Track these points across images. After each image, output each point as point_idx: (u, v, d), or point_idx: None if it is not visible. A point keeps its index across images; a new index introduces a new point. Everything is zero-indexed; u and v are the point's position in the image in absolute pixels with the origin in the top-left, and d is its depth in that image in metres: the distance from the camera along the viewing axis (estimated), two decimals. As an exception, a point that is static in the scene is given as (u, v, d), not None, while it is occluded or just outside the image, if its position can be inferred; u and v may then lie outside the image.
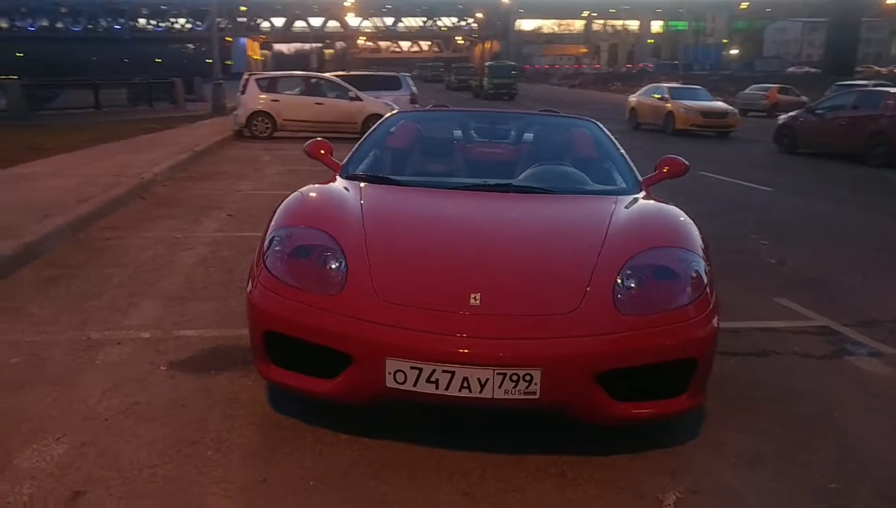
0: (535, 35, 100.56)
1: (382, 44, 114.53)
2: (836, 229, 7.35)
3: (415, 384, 2.35)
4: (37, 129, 15.15)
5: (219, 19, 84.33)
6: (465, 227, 3.04)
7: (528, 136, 4.25)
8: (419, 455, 2.56)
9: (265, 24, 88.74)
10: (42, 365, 3.22)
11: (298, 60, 79.47)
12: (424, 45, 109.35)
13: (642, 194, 3.56)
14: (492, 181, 3.48)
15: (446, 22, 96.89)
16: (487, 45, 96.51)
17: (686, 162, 3.94)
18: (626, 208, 3.19)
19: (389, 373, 2.36)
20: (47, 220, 5.50)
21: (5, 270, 4.44)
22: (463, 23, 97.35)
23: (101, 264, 4.90)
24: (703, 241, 2.98)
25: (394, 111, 4.98)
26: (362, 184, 3.43)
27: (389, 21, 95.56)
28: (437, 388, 2.34)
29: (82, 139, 12.23)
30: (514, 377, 2.31)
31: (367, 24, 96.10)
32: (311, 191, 3.30)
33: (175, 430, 2.67)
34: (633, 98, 21.68)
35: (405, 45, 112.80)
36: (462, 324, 2.40)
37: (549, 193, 3.42)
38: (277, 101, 15.13)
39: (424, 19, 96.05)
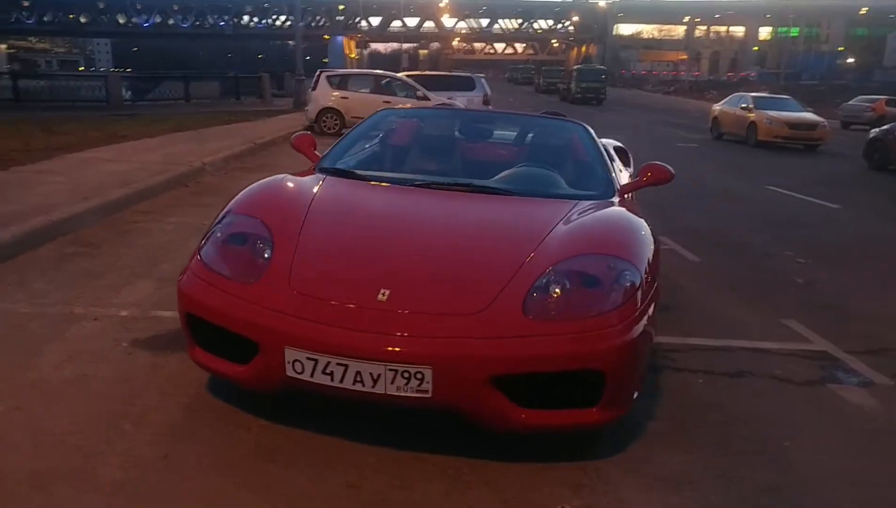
0: (634, 40, 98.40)
1: (477, 45, 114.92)
2: (888, 254, 6.87)
3: (311, 375, 2.38)
4: (127, 118, 16.09)
5: (318, 17, 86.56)
6: (400, 224, 3.03)
7: (513, 137, 4.20)
8: (325, 445, 2.58)
9: (363, 24, 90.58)
10: (17, 334, 3.43)
11: (391, 60, 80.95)
12: (519, 47, 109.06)
13: (615, 200, 3.46)
14: (454, 180, 3.46)
15: (542, 24, 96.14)
16: (584, 48, 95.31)
17: (671, 170, 3.80)
18: (581, 213, 3.10)
19: (289, 362, 2.39)
20: (84, 201, 5.84)
21: (27, 245, 4.75)
22: (559, 26, 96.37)
23: (118, 244, 5.16)
24: (654, 254, 2.87)
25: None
26: (327, 177, 3.48)
27: (485, 22, 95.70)
28: (332, 380, 2.36)
29: (160, 128, 12.90)
30: (406, 374, 2.30)
31: (463, 26, 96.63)
32: (272, 181, 3.38)
33: (107, 403, 2.79)
34: (716, 107, 20.92)
35: (500, 47, 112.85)
36: (361, 318, 2.40)
37: (509, 194, 3.38)
38: (346, 98, 15.47)
39: (520, 21, 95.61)
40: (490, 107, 19.94)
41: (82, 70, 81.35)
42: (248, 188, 3.25)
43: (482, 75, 20.91)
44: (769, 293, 5.07)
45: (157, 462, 2.43)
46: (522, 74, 71.68)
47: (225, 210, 3.03)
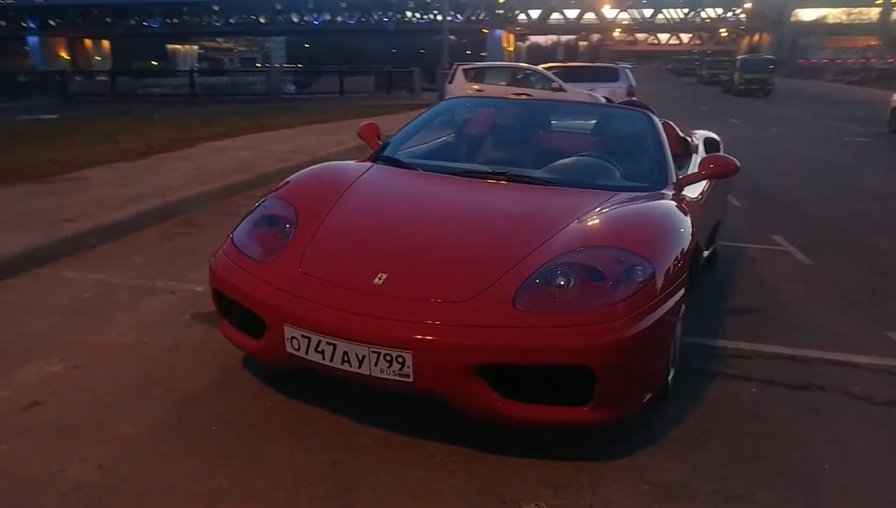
0: (817, 25, 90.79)
1: (639, 36, 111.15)
2: None
3: (306, 353, 2.47)
4: (280, 110, 17.22)
5: (478, 11, 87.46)
6: (418, 212, 3.05)
7: (572, 127, 4.06)
8: (328, 423, 2.67)
9: (522, 17, 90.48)
10: (101, 302, 3.82)
11: (549, 52, 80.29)
12: (685, 37, 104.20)
13: (666, 192, 3.28)
14: (495, 169, 3.42)
15: (710, 13, 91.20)
16: (756, 37, 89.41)
17: (735, 163, 3.52)
18: (615, 205, 2.97)
19: (287, 339, 2.50)
20: (201, 185, 6.35)
21: (139, 224, 5.25)
22: (729, 14, 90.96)
23: (220, 226, 5.54)
24: (686, 251, 2.70)
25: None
26: (375, 165, 3.57)
27: (648, 13, 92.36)
28: (323, 358, 2.43)
29: (303, 120, 13.68)
30: (388, 357, 2.33)
31: (625, 16, 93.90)
32: (318, 168, 3.52)
33: (150, 368, 3.05)
34: (896, 97, 18.88)
35: (664, 37, 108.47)
36: (353, 300, 2.46)
37: (548, 184, 3.29)
38: (482, 90, 15.53)
39: (686, 10, 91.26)
40: (634, 98, 19.31)
41: (259, 66, 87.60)
42: (295, 174, 3.41)
43: (627, 66, 20.24)
44: (887, 301, 4.56)
45: (169, 424, 2.63)
46: (685, 65, 68.43)
47: (269, 193, 3.20)
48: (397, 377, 2.34)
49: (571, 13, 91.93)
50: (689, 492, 2.36)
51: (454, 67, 16.33)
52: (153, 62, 78.45)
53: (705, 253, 4.38)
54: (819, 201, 8.07)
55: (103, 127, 12.25)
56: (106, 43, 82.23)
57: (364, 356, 2.36)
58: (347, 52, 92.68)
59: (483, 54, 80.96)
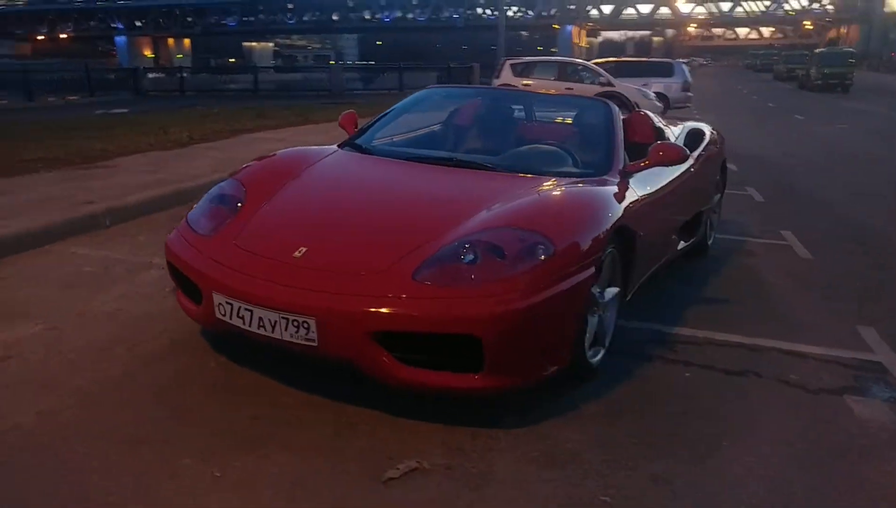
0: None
1: (716, 31, 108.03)
2: None
3: (231, 318, 2.70)
4: (336, 105, 17.68)
5: (550, 7, 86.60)
6: (354, 192, 3.25)
7: (536, 115, 4.17)
8: (262, 384, 2.89)
9: (594, 12, 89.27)
10: (99, 275, 4.17)
11: (618, 48, 78.98)
12: (766, 31, 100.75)
13: (609, 178, 3.38)
14: (447, 155, 3.59)
15: (794, 4, 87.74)
16: (843, 30, 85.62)
17: (684, 151, 3.58)
18: (544, 189, 3.09)
19: (216, 305, 2.74)
20: (220, 173, 6.70)
21: (154, 207, 5.63)
22: (814, 5, 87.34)
23: (232, 211, 5.90)
24: (594, 235, 2.81)
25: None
26: (339, 150, 3.78)
27: (726, 6, 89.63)
28: (244, 323, 2.66)
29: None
30: (295, 323, 2.54)
31: (701, 11, 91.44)
32: (284, 152, 3.76)
33: (120, 333, 3.36)
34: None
35: (742, 31, 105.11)
36: (271, 270, 2.68)
37: (493, 170, 3.43)
38: (528, 85, 15.60)
39: (767, 3, 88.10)
40: (690, 94, 18.96)
41: (332, 63, 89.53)
42: (260, 158, 3.66)
43: (683, 61, 19.95)
44: (870, 295, 4.49)
45: (119, 380, 2.91)
46: (762, 61, 66.07)
47: (230, 174, 3.47)
48: (304, 342, 2.55)
49: (645, 8, 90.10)
50: (577, 461, 2.48)
51: (502, 61, 16.42)
52: (230, 59, 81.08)
53: (681, 243, 4.42)
54: (848, 198, 7.85)
55: (161, 120, 12.94)
56: (187, 41, 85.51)
57: (276, 322, 2.57)
58: (418, 49, 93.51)
59: (553, 50, 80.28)
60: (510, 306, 2.46)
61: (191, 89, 24.87)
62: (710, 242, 5.25)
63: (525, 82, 15.61)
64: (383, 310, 2.47)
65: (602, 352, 3.17)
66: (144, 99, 22.38)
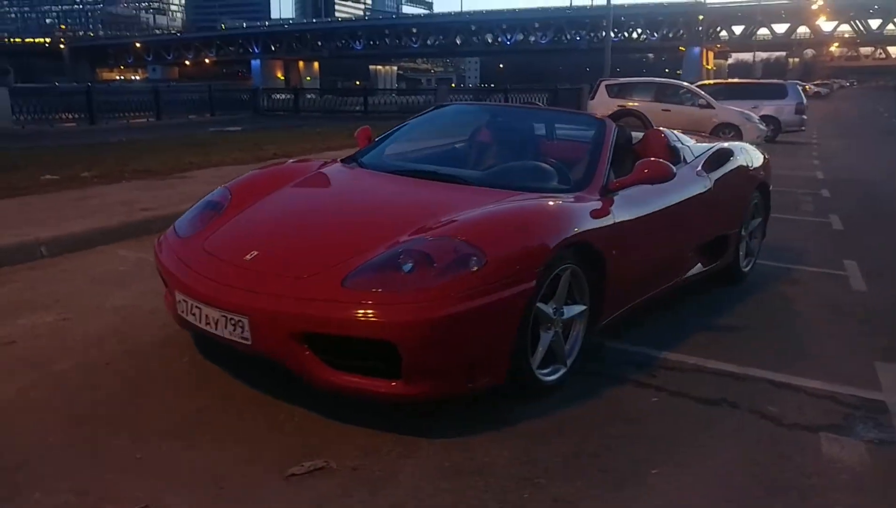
0: None
1: (864, 50, 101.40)
2: None
3: (187, 314, 2.89)
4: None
5: (677, 28, 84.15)
6: (320, 201, 3.39)
7: (532, 132, 4.15)
8: (218, 377, 3.06)
9: (724, 33, 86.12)
10: (129, 274, 4.53)
11: (747, 69, 75.60)
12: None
13: (590, 195, 3.34)
14: (430, 169, 3.67)
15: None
16: None
17: (670, 168, 3.46)
18: (501, 204, 3.11)
19: (177, 302, 2.95)
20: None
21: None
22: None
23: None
24: (536, 250, 2.79)
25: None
26: (336, 163, 3.94)
27: (875, 24, 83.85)
28: (195, 320, 2.85)
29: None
30: (232, 321, 2.69)
31: (846, 29, 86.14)
32: (280, 164, 3.96)
33: (121, 326, 3.65)
34: None
35: (894, 50, 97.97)
36: (219, 271, 2.85)
37: (469, 184, 3.47)
38: (623, 106, 15.31)
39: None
40: (804, 117, 17.96)
41: (453, 86, 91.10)
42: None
43: (798, 83, 18.83)
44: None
45: (99, 366, 3.17)
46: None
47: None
48: (240, 340, 2.70)
49: (780, 28, 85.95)
50: (485, 475, 2.45)
51: (598, 82, 16.22)
52: (356, 82, 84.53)
53: (697, 267, 4.26)
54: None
55: (262, 138, 13.76)
56: (316, 64, 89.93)
57: (217, 320, 2.74)
58: (540, 72, 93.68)
59: (678, 73, 77.95)
60: (427, 315, 2.49)
61: (307, 110, 26.15)
62: (746, 268, 5.00)
63: (619, 104, 15.33)
64: (306, 312, 2.57)
65: (563, 370, 3.12)
66: (261, 118, 23.75)
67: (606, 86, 15.87)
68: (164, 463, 2.45)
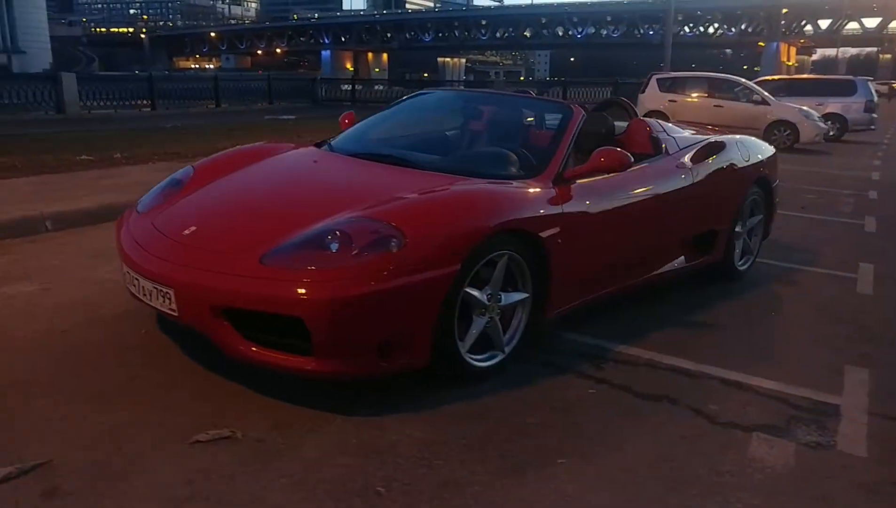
0: None
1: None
2: None
3: (131, 286, 3.01)
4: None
5: (756, 24, 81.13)
6: (271, 182, 3.42)
7: (501, 119, 4.11)
8: (163, 349, 3.18)
9: (808, 27, 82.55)
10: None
11: (829, 66, 72.37)
12: None
13: (540, 183, 3.30)
14: (386, 152, 3.71)
15: None
16: None
17: (628, 157, 3.37)
18: (436, 188, 3.10)
19: (124, 274, 3.07)
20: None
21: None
22: None
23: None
24: (461, 235, 2.78)
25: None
26: (306, 147, 4.01)
27: (981, 15, 78.88)
28: (135, 290, 2.96)
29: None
30: (161, 293, 2.79)
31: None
32: (257, 144, 4.05)
33: (94, 297, 3.82)
34: None
35: None
36: (158, 245, 2.94)
37: (418, 168, 3.47)
38: (674, 101, 14.95)
39: None
40: (874, 115, 17.13)
41: (522, 79, 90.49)
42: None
43: (869, 79, 17.91)
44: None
45: (56, 334, 3.34)
46: None
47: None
48: (169, 311, 2.79)
49: (871, 22, 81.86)
50: (384, 454, 2.46)
51: (649, 76, 15.85)
52: (424, 74, 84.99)
53: (675, 263, 4.16)
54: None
55: (309, 125, 14.05)
56: (385, 56, 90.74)
57: (151, 291, 2.84)
58: (612, 66, 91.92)
59: (756, 69, 75.29)
60: (336, 293, 2.52)
61: (366, 100, 26.44)
62: (742, 267, 4.83)
63: (669, 99, 14.97)
64: (221, 287, 2.64)
65: (500, 357, 3.11)
66: (319, 107, 24.16)
67: (658, 80, 15.49)
68: (79, 424, 2.57)
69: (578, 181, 3.46)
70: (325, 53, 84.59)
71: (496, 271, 2.98)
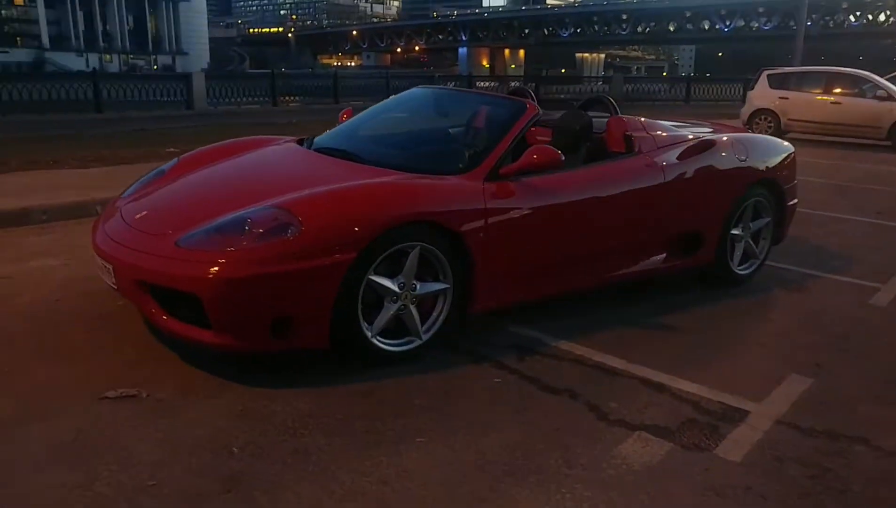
0: None
1: None
2: None
3: (95, 263, 3.45)
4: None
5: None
6: (231, 174, 3.74)
7: (455, 115, 4.25)
8: (129, 321, 3.60)
9: None
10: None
11: None
12: None
13: (470, 179, 3.42)
14: (337, 146, 3.99)
15: None
16: None
17: (558, 155, 3.42)
18: (356, 180, 3.34)
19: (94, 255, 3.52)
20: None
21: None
22: None
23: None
24: (359, 226, 2.97)
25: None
26: (288, 142, 4.32)
27: None
28: (97, 268, 3.39)
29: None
30: (106, 268, 3.20)
31: None
32: (247, 138, 4.40)
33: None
34: None
35: None
36: (113, 227, 3.35)
37: (362, 163, 3.67)
38: (786, 98, 14.05)
39: None
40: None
41: (665, 76, 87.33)
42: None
43: None
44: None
45: (48, 302, 3.86)
46: None
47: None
48: (112, 284, 3.20)
49: None
50: (263, 421, 2.73)
51: (759, 71, 14.97)
52: (562, 70, 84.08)
53: (646, 264, 4.13)
54: None
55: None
56: (521, 52, 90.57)
57: (101, 267, 3.26)
58: (763, 60, 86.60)
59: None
60: (227, 274, 2.81)
61: None
62: (743, 271, 4.65)
63: (781, 95, 14.09)
64: (139, 264, 3.02)
65: (416, 343, 3.27)
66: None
67: (768, 75, 14.59)
68: (16, 375, 3.02)
69: (523, 179, 3.54)
70: (462, 50, 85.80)
71: (408, 261, 3.15)
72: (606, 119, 4.28)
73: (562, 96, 27.75)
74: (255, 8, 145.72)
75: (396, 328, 3.23)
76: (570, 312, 3.99)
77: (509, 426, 2.81)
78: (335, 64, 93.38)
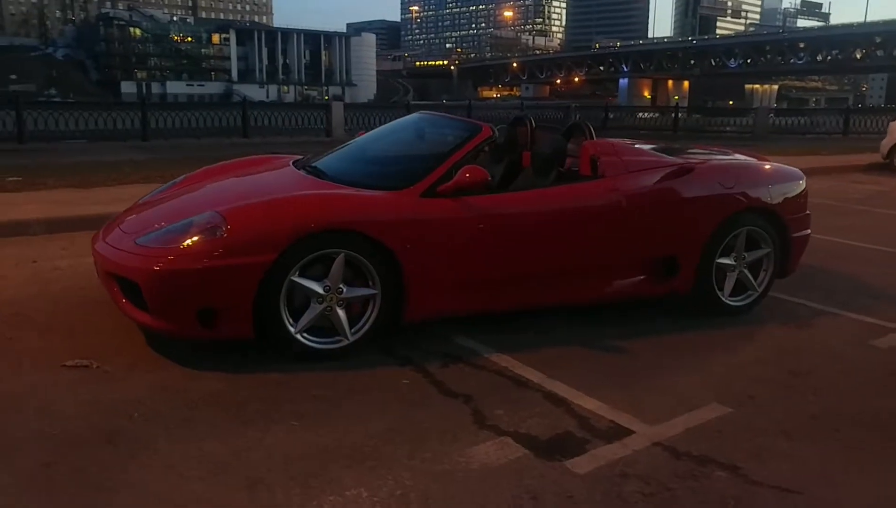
0: None
1: None
2: None
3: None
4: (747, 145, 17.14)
5: None
6: (217, 188, 4.21)
7: (420, 136, 4.53)
8: (120, 326, 4.19)
9: None
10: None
11: None
12: None
13: (404, 196, 3.69)
14: (316, 165, 4.39)
15: None
16: None
17: (485, 174, 3.62)
18: (296, 193, 3.74)
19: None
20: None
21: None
22: None
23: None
24: (279, 233, 3.31)
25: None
26: (285, 160, 4.78)
27: None
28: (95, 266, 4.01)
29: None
30: (95, 261, 3.80)
31: None
32: (253, 157, 4.93)
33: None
34: None
35: None
36: (107, 228, 3.96)
37: (326, 179, 4.05)
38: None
39: None
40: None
41: (850, 106, 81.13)
42: None
43: None
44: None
45: (62, 290, 4.55)
46: None
47: (193, 172, 4.84)
48: (97, 274, 3.79)
49: None
50: (177, 396, 3.14)
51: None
52: (730, 101, 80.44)
53: (618, 283, 4.16)
54: None
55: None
56: (686, 83, 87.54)
57: (94, 262, 3.87)
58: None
59: None
60: (158, 266, 3.30)
61: (654, 128, 26.54)
62: (737, 303, 4.49)
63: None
64: (105, 257, 3.60)
65: (343, 342, 3.57)
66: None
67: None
68: (12, 343, 3.67)
69: (465, 198, 3.76)
70: (623, 81, 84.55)
71: (334, 265, 3.46)
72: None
73: (727, 129, 26.79)
74: (422, 42, 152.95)
75: (329, 328, 3.55)
76: (525, 327, 4.10)
77: (384, 420, 3.02)
78: (495, 96, 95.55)
